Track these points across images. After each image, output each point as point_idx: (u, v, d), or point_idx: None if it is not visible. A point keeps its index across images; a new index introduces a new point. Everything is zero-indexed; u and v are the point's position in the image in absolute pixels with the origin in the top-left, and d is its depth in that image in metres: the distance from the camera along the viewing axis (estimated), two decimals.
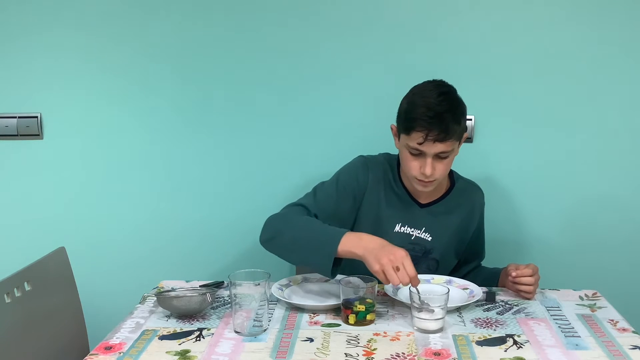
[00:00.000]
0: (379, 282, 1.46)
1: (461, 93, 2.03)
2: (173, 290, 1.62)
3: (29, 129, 2.13)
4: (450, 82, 2.01)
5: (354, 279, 1.49)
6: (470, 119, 2.04)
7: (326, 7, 2.03)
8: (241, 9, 2.04)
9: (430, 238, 1.72)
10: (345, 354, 1.29)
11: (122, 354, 1.30)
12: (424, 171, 1.59)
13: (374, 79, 2.05)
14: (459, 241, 1.78)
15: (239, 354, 1.30)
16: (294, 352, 1.30)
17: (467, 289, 1.62)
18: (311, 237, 1.54)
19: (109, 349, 1.32)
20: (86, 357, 1.28)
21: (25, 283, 1.51)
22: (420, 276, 1.66)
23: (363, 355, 1.28)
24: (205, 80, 2.09)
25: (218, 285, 1.69)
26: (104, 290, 2.18)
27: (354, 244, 1.47)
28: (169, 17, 2.06)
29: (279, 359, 1.27)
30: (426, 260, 1.73)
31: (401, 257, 1.42)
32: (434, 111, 1.53)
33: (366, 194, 1.71)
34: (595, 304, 1.59)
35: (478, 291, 1.59)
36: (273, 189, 2.13)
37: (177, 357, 1.28)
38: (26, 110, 2.13)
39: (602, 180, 2.07)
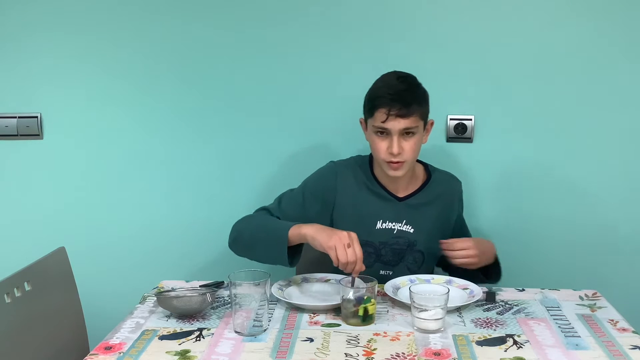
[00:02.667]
0: (379, 282, 1.46)
1: (461, 93, 2.05)
2: (173, 290, 1.62)
3: (29, 129, 2.13)
4: (450, 82, 2.03)
5: (354, 279, 1.49)
6: (470, 119, 2.04)
7: (327, 8, 2.02)
8: (240, 10, 2.04)
9: (413, 230, 1.74)
10: (345, 354, 1.29)
11: (122, 354, 1.30)
12: (391, 150, 1.62)
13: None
14: (441, 231, 1.79)
15: (239, 354, 1.30)
16: (294, 352, 1.30)
17: (467, 289, 1.61)
18: (266, 229, 1.65)
19: (109, 349, 1.32)
20: (86, 357, 1.28)
21: (25, 283, 1.51)
22: (420, 276, 1.67)
23: (363, 355, 1.29)
24: (205, 80, 2.09)
25: (218, 285, 1.69)
26: (104, 291, 2.17)
27: (303, 227, 1.56)
28: (169, 18, 2.06)
29: (279, 359, 1.27)
30: (412, 253, 1.75)
31: (353, 237, 1.50)
32: (394, 89, 1.62)
33: (337, 197, 1.74)
34: (595, 304, 1.59)
35: (478, 291, 1.59)
36: (273, 189, 2.12)
37: (177, 357, 1.28)
38: (26, 110, 2.13)
39: (602, 180, 2.07)
